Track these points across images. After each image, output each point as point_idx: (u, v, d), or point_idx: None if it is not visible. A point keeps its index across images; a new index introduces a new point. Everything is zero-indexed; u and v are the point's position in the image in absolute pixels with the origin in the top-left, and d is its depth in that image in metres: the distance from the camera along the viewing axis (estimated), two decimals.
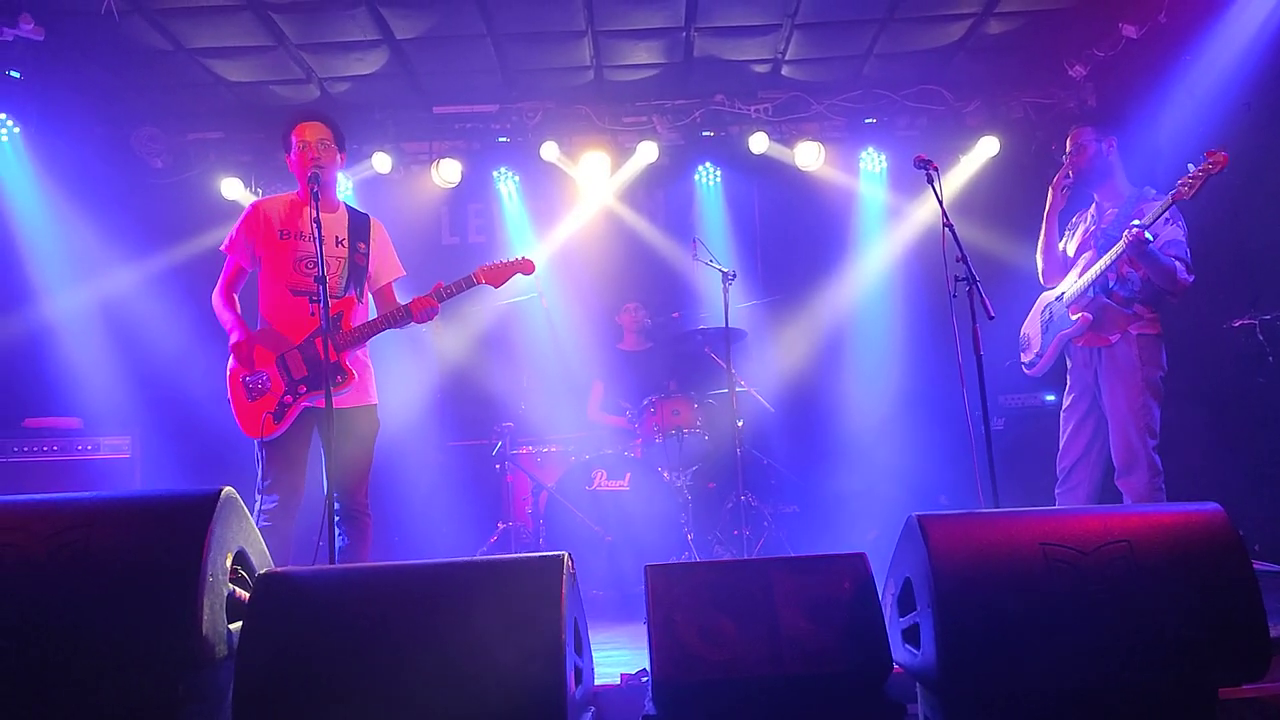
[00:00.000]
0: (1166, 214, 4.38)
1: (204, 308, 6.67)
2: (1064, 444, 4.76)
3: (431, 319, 4.31)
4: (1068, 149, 4.77)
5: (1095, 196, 4.77)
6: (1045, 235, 4.89)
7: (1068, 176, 4.75)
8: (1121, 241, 4.32)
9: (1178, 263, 4.36)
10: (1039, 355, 4.84)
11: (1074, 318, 4.60)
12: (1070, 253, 4.82)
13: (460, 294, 4.38)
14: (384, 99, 7.27)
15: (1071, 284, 4.70)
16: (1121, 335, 4.50)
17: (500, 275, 4.52)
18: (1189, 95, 5.80)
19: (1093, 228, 4.71)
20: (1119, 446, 4.47)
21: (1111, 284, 4.51)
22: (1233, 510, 2.62)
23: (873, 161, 7.72)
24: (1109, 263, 4.43)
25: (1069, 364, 4.78)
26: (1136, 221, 4.28)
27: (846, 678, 2.58)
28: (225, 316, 4.27)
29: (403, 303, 4.32)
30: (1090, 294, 4.55)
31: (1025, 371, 4.97)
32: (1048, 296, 4.89)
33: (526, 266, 4.59)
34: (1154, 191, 4.60)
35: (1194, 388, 5.98)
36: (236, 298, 4.34)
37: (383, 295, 4.49)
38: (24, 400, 6.40)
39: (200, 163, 7.38)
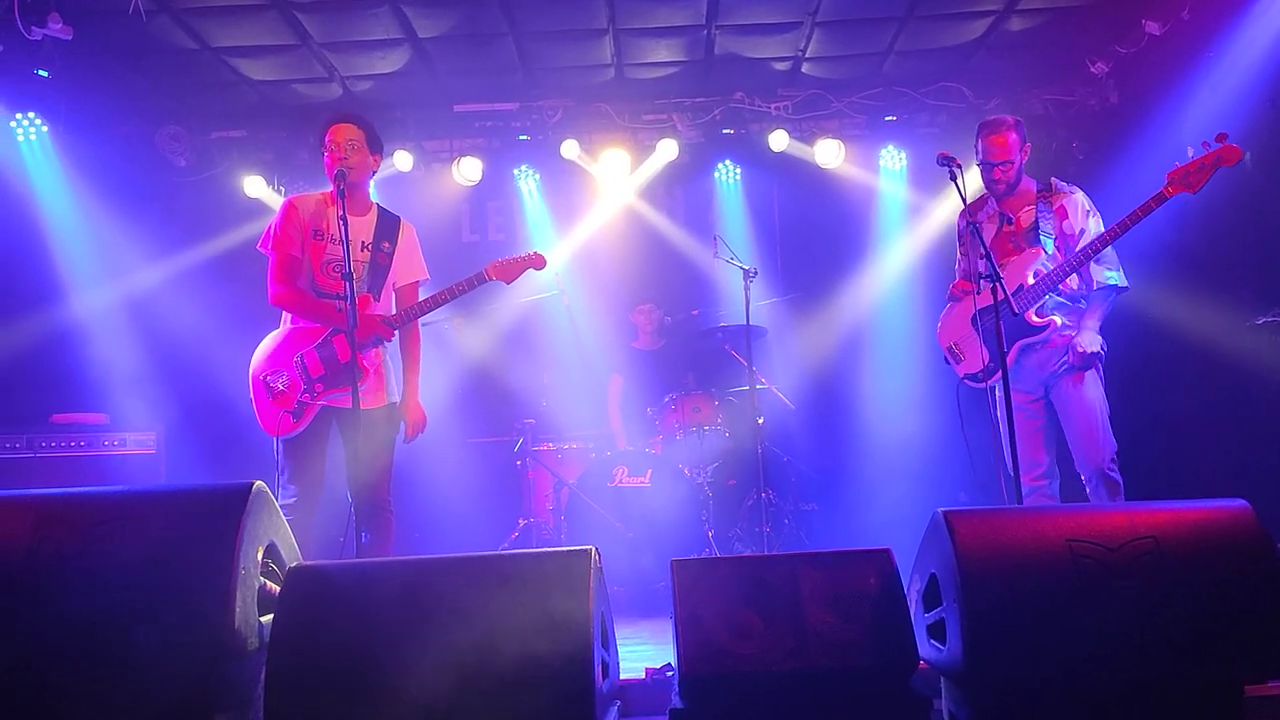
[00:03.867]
0: (1088, 206, 4.45)
1: (228, 304, 6.83)
2: (1026, 453, 4.50)
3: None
4: (989, 156, 4.54)
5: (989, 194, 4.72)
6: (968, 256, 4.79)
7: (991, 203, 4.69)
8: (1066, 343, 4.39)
9: (1109, 274, 4.39)
10: (993, 365, 4.51)
11: (1041, 323, 4.42)
12: (984, 253, 4.65)
13: (472, 290, 4.42)
14: (405, 97, 7.30)
15: (1010, 286, 4.36)
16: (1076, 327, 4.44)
17: (512, 271, 4.55)
18: (1212, 93, 5.77)
19: (1007, 228, 4.61)
20: (1089, 447, 4.36)
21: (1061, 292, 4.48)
22: (1259, 507, 2.62)
23: (893, 159, 7.71)
24: (1057, 273, 4.40)
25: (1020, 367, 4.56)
26: (1079, 344, 4.34)
27: (872, 672, 2.59)
28: (312, 304, 4.21)
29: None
30: (1040, 295, 4.44)
31: (973, 385, 4.69)
32: (970, 306, 4.59)
33: (538, 262, 4.62)
34: (1065, 184, 4.59)
35: (1218, 385, 5.96)
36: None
37: (403, 294, 4.51)
38: (52, 396, 6.45)
39: (223, 161, 7.42)
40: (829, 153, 7.43)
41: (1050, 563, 2.53)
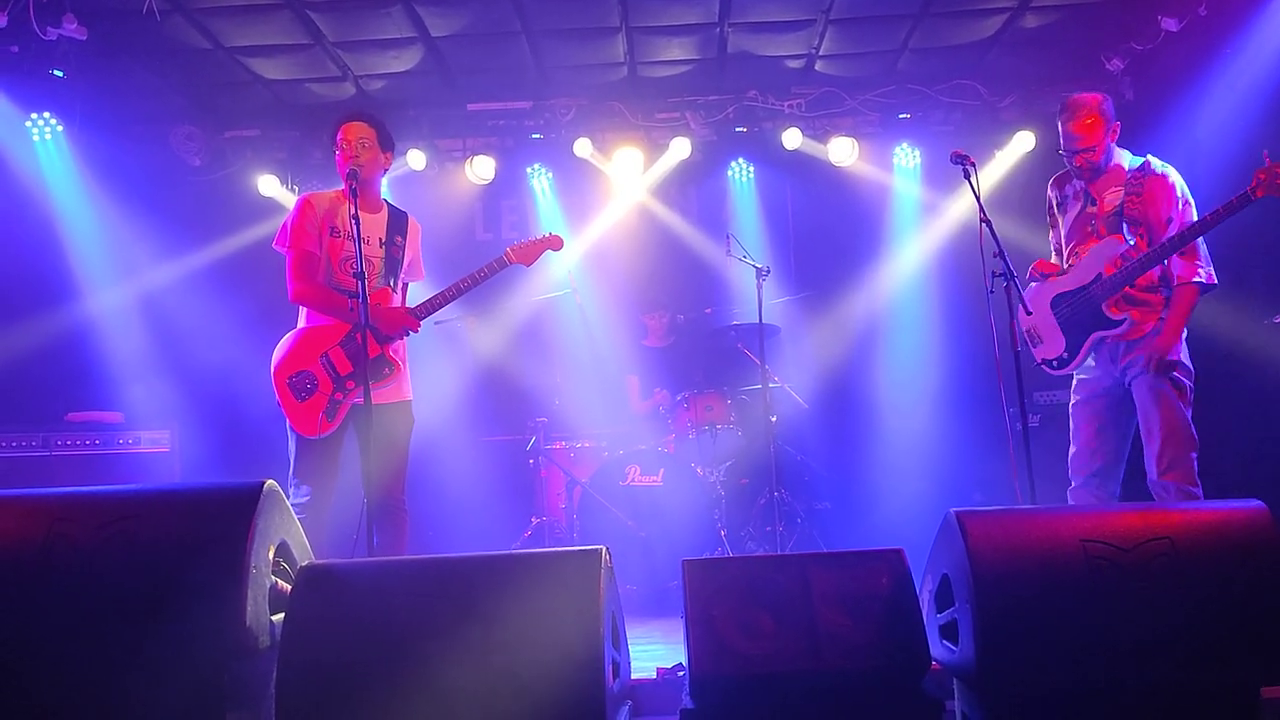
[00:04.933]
0: (1180, 193, 4.19)
1: (242, 303, 6.86)
2: (1085, 444, 4.38)
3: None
4: (1071, 144, 4.33)
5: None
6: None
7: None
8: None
9: (1199, 269, 4.12)
10: (1067, 354, 4.40)
11: (1118, 317, 4.22)
12: (1066, 231, 4.51)
13: (493, 276, 4.43)
14: (418, 96, 7.32)
15: (1089, 275, 4.31)
16: (1156, 324, 4.19)
17: (531, 253, 4.57)
18: (1229, 90, 5.73)
19: (1090, 209, 4.39)
20: (1162, 443, 4.13)
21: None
22: (1275, 508, 2.59)
23: (907, 157, 7.68)
24: (1139, 264, 4.16)
25: (1091, 359, 4.40)
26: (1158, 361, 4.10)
27: (884, 673, 2.58)
28: (334, 299, 4.18)
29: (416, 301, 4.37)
30: (1119, 287, 4.22)
31: (1050, 371, 4.52)
32: (1053, 287, 4.47)
33: (555, 243, 4.64)
34: (1160, 163, 4.29)
35: (1234, 385, 5.91)
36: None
37: (404, 294, 4.53)
38: (67, 395, 6.49)
39: (237, 160, 7.45)
40: (842, 151, 7.41)
41: (1064, 563, 2.51)
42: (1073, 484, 4.43)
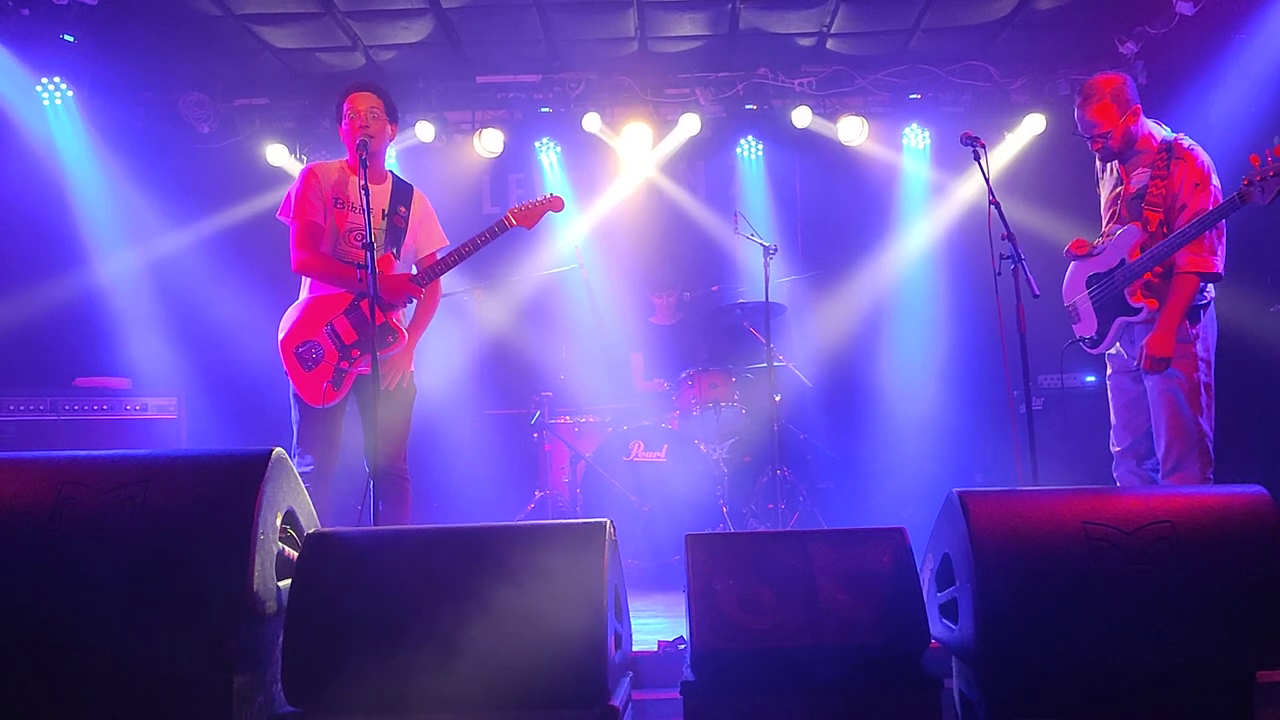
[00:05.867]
0: (1198, 179, 4.02)
1: (249, 271, 6.88)
2: (1118, 418, 4.33)
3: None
4: (1085, 130, 4.23)
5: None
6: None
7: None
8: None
9: (1202, 258, 3.97)
10: (1097, 335, 4.35)
11: (1137, 305, 4.13)
12: (1102, 207, 4.43)
13: (494, 239, 4.40)
14: (428, 68, 7.30)
15: (1115, 259, 4.24)
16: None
17: (532, 215, 4.54)
18: (1243, 75, 5.71)
19: (1119, 189, 4.32)
20: (1159, 441, 4.09)
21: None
22: (1276, 494, 2.61)
23: (916, 137, 7.67)
24: (1154, 254, 4.05)
25: (1118, 342, 4.34)
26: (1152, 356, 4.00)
27: (884, 650, 2.61)
28: (338, 269, 4.19)
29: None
30: (1139, 274, 4.11)
31: (1087, 350, 4.43)
32: (1089, 266, 4.40)
33: (556, 204, 4.62)
34: (1189, 141, 4.16)
35: (1238, 372, 5.90)
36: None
37: (423, 265, 4.52)
38: (75, 360, 6.52)
39: (246, 129, 7.45)
40: (852, 130, 7.40)
41: (1065, 545, 2.53)
42: (1114, 458, 4.40)
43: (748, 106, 7.48)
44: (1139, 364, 4.10)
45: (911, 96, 7.46)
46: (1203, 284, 4.08)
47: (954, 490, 2.69)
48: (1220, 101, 5.78)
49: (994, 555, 2.50)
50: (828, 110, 7.46)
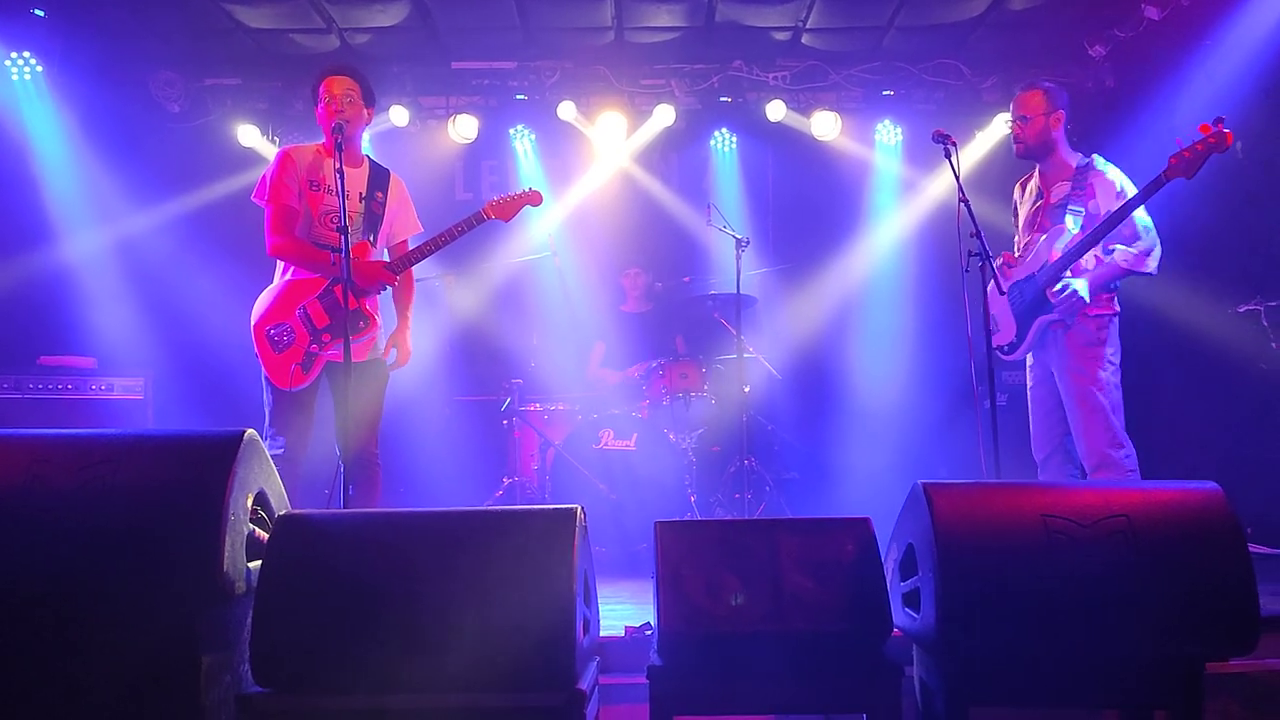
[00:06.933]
0: (1119, 187, 4.31)
1: (218, 252, 6.82)
2: (1038, 426, 4.58)
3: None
4: (1012, 114, 4.57)
5: (1037, 167, 4.63)
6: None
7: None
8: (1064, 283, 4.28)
9: (1132, 254, 4.25)
10: (1018, 340, 4.55)
11: (1056, 300, 4.33)
12: (1022, 227, 4.67)
13: (470, 231, 4.41)
14: (403, 52, 7.27)
15: (1037, 263, 4.46)
16: (1081, 319, 4.32)
17: (509, 209, 4.55)
18: (1208, 80, 5.80)
19: (1040, 202, 4.55)
20: (1080, 440, 4.30)
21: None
22: (1230, 493, 2.67)
23: (889, 134, 7.73)
24: (1078, 247, 4.30)
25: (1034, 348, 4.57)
26: (1063, 286, 4.25)
27: (847, 637, 2.65)
28: (313, 254, 4.21)
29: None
30: (1061, 271, 4.34)
31: (1002, 357, 4.61)
32: (1010, 277, 4.60)
33: (534, 198, 4.63)
34: (1103, 160, 4.44)
35: (1197, 371, 6.04)
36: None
37: (396, 251, 4.53)
38: (40, 338, 6.45)
39: (217, 109, 7.39)
40: (825, 125, 7.45)
41: (1025, 536, 2.58)
42: (1037, 464, 4.62)
43: (722, 99, 7.50)
44: (1058, 304, 4.27)
45: (885, 93, 7.52)
46: (1125, 276, 4.30)
47: (918, 482, 2.73)
48: (1186, 105, 5.88)
49: (956, 546, 2.55)
50: (801, 104, 7.50)
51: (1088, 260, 4.34)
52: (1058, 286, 4.28)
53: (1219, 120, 4.01)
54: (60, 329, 6.61)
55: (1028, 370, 4.66)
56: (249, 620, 2.59)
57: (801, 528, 2.83)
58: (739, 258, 5.93)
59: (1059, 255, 4.35)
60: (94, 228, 6.86)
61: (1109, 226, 4.18)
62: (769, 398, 7.14)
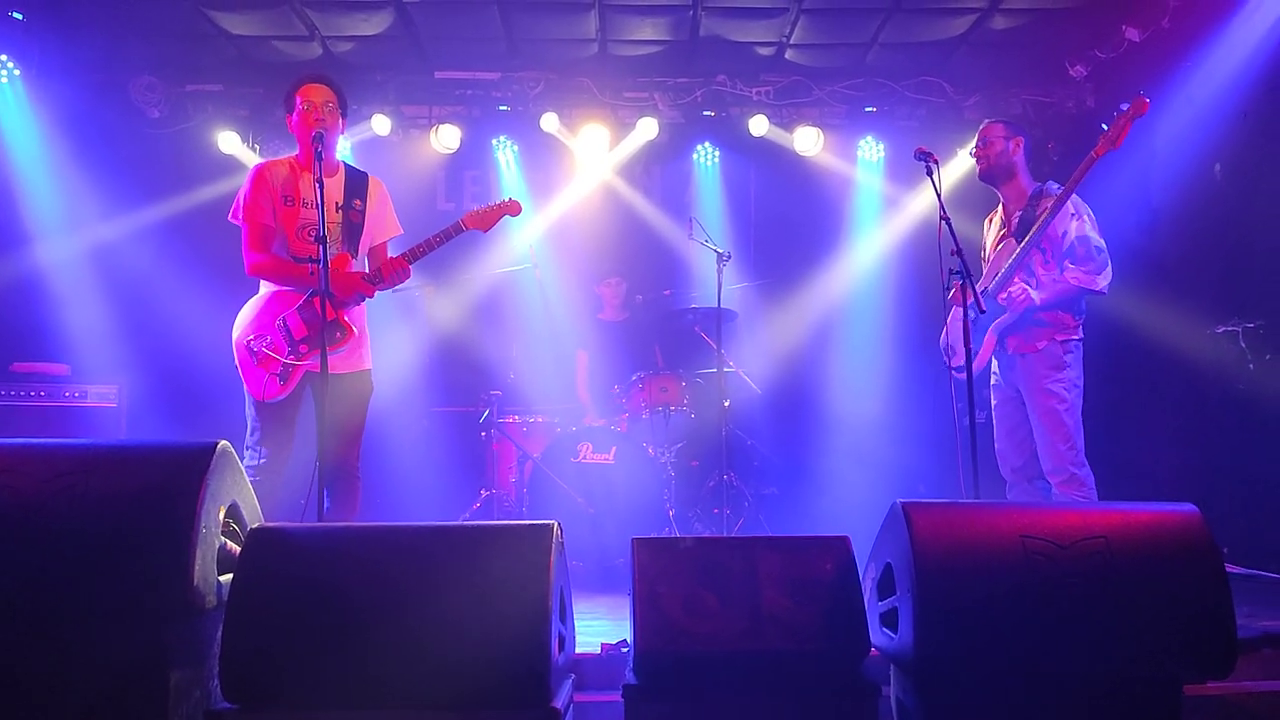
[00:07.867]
0: (1072, 209, 4.41)
1: (196, 259, 6.76)
2: (1002, 444, 4.67)
3: (404, 279, 4.32)
4: (975, 143, 4.76)
5: (1000, 196, 4.77)
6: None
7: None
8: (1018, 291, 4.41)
9: (1082, 273, 4.36)
10: (972, 354, 4.52)
11: (1007, 302, 4.47)
12: (988, 256, 4.80)
13: (448, 242, 4.36)
14: (386, 61, 7.25)
15: (990, 276, 4.63)
16: (1048, 342, 4.42)
17: (488, 219, 4.50)
18: (1188, 102, 5.85)
19: (1004, 231, 4.70)
20: (1048, 457, 4.39)
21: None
22: (1207, 513, 2.68)
23: (871, 150, 7.76)
24: (1019, 255, 4.45)
25: (994, 365, 4.67)
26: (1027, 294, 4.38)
27: (824, 656, 2.64)
28: (291, 269, 4.15)
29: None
30: (1010, 278, 4.49)
31: (957, 375, 4.60)
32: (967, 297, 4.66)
33: (513, 208, 4.58)
34: (1056, 186, 4.54)
35: (1175, 391, 6.07)
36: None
37: (375, 254, 4.49)
38: (12, 344, 6.37)
39: (198, 115, 7.33)
40: (808, 140, 7.47)
41: (1003, 557, 2.58)
42: (1006, 482, 4.71)
43: (705, 113, 7.52)
44: (1008, 304, 4.43)
45: (867, 109, 7.55)
46: (1078, 294, 4.41)
47: (898, 501, 2.72)
48: (1165, 127, 5.92)
49: (935, 566, 2.54)
50: (784, 120, 7.52)
51: (1045, 279, 4.46)
52: (1010, 290, 4.42)
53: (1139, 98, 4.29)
54: (33, 335, 6.53)
55: (992, 390, 4.75)
56: (219, 635, 2.55)
57: (780, 546, 2.82)
58: (720, 272, 5.93)
59: (1007, 264, 4.51)
60: (69, 233, 6.78)
61: (1048, 222, 4.36)
62: (749, 413, 7.14)
